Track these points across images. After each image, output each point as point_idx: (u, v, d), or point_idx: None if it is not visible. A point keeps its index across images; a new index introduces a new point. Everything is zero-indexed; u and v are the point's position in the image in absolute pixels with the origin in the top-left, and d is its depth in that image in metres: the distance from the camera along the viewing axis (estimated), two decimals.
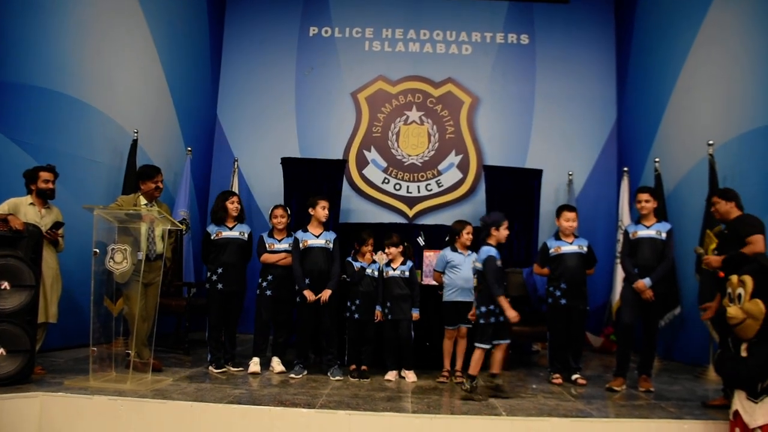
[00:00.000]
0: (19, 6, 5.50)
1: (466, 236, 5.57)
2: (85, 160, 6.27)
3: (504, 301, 4.79)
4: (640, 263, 5.19)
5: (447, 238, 5.74)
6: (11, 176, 5.09)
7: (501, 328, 4.90)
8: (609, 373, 5.64)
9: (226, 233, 5.51)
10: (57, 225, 4.98)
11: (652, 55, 8.09)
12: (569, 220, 5.57)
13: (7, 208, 4.70)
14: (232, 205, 5.56)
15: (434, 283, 6.02)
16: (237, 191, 8.25)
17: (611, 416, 4.17)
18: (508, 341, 5.01)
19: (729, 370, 3.63)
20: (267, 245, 5.58)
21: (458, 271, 5.46)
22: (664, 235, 5.22)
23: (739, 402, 3.60)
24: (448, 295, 5.47)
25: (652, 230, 5.25)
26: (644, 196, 5.36)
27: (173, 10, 7.99)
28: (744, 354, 3.58)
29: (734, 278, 3.71)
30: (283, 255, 5.54)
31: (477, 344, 4.86)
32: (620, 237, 6.98)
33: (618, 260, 7.31)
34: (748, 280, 3.58)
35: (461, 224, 5.65)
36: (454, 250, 5.55)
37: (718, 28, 6.64)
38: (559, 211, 5.67)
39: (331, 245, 5.52)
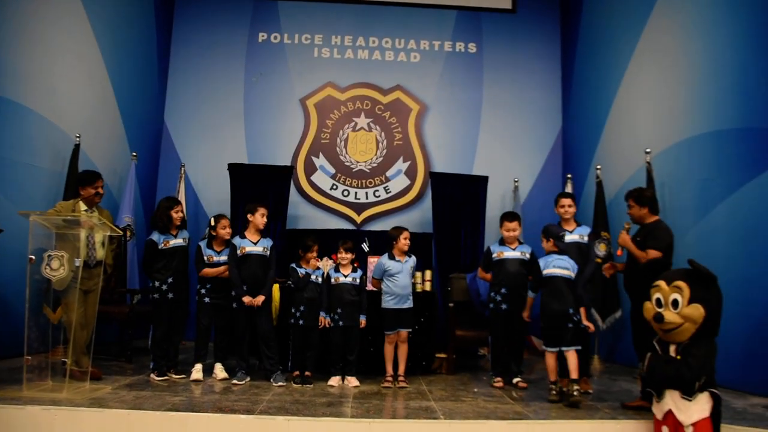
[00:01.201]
0: None
1: (404, 242, 5.66)
2: (24, 165, 6.13)
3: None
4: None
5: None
6: None
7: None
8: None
9: (173, 241, 5.47)
10: None
11: (596, 64, 8.34)
12: (509, 230, 5.68)
13: None
14: (177, 215, 5.52)
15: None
16: (184, 197, 8.21)
17: (548, 418, 4.26)
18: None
19: (663, 372, 3.75)
20: (206, 258, 5.53)
21: (396, 279, 5.57)
22: (586, 239, 5.47)
23: (672, 401, 3.71)
24: (387, 302, 5.58)
25: (575, 234, 5.49)
26: (567, 201, 5.60)
27: (119, 13, 7.87)
28: (675, 356, 3.72)
29: (662, 284, 3.82)
30: (222, 269, 5.52)
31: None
32: None
33: None
34: (683, 285, 3.71)
35: (398, 230, 5.74)
36: (392, 257, 5.65)
37: (656, 38, 6.88)
38: (501, 220, 5.78)
39: (268, 252, 5.54)
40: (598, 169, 7.55)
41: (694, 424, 3.56)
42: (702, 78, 6.04)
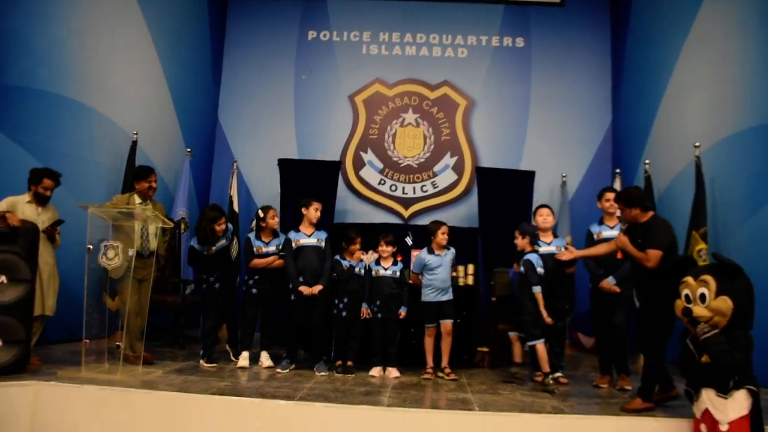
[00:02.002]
0: (21, 10, 5.72)
1: (441, 236, 5.70)
2: (85, 161, 6.47)
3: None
4: (606, 263, 5.33)
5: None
6: (12, 176, 5.30)
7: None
8: (595, 373, 5.73)
9: (214, 247, 5.65)
10: (57, 222, 5.16)
11: (645, 58, 8.18)
12: (542, 215, 5.74)
13: (6, 205, 4.89)
14: (220, 227, 5.59)
15: None
16: (236, 191, 8.46)
17: (584, 414, 4.27)
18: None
19: (696, 370, 3.72)
20: (255, 249, 5.71)
21: (435, 272, 5.61)
22: None
23: (708, 400, 3.68)
24: (427, 295, 5.64)
25: (615, 230, 5.38)
26: (610, 195, 5.49)
27: (174, 14, 8.19)
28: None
29: (690, 280, 3.79)
30: (272, 259, 5.71)
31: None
32: None
33: None
34: (710, 279, 3.67)
35: (437, 225, 5.78)
36: (431, 251, 5.69)
37: (707, 30, 6.73)
38: (535, 210, 5.86)
39: (322, 244, 5.70)
40: (646, 164, 7.43)
41: (730, 423, 3.52)
42: (752, 71, 5.89)
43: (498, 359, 6.31)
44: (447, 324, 5.60)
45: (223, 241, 5.70)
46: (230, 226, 5.85)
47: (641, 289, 4.59)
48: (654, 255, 4.34)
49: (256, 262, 5.69)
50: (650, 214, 4.62)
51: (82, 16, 6.44)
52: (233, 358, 5.72)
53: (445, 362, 5.61)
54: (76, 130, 6.38)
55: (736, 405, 3.54)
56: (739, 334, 3.58)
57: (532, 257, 5.33)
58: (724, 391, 3.58)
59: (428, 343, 5.66)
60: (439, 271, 5.61)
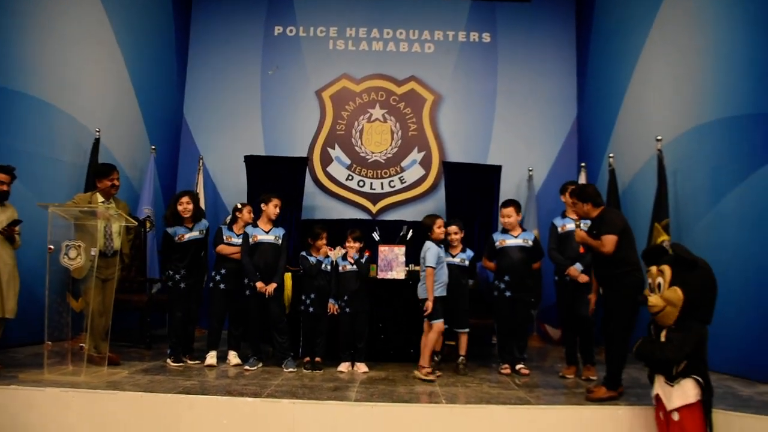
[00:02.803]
0: None
1: (438, 230, 5.49)
2: (46, 159, 6.35)
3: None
4: (570, 256, 5.45)
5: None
6: None
7: None
8: (562, 364, 5.81)
9: (188, 235, 5.61)
10: (14, 222, 5.05)
11: (609, 53, 8.32)
12: (503, 216, 5.78)
13: None
14: (181, 207, 5.60)
15: (392, 277, 6.22)
16: (202, 188, 8.39)
17: (549, 404, 4.33)
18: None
19: (648, 354, 3.81)
20: (225, 237, 5.76)
21: (443, 266, 5.40)
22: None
23: (659, 386, 3.79)
24: (435, 290, 5.27)
25: (582, 223, 5.45)
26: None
27: (137, 9, 8.07)
28: (663, 340, 3.77)
29: (653, 269, 3.88)
30: (238, 249, 5.70)
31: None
32: None
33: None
34: (666, 269, 3.76)
35: (431, 218, 5.56)
36: (438, 245, 5.45)
37: (668, 25, 6.85)
38: (500, 207, 5.88)
39: (280, 241, 5.69)
40: (611, 157, 7.55)
41: (678, 410, 3.60)
42: (713, 65, 6.00)
43: (468, 353, 6.35)
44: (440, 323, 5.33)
45: (195, 233, 5.65)
46: (206, 222, 5.81)
47: (604, 280, 4.67)
48: (608, 240, 4.46)
49: (222, 247, 5.73)
50: (600, 208, 4.76)
51: (44, 13, 6.30)
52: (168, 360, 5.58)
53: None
54: (37, 128, 6.25)
55: (681, 393, 3.62)
56: (689, 326, 3.65)
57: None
58: (670, 378, 3.67)
59: (431, 338, 5.28)
60: (445, 265, 5.44)
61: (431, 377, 5.12)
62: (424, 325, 5.39)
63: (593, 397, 4.43)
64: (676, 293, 3.67)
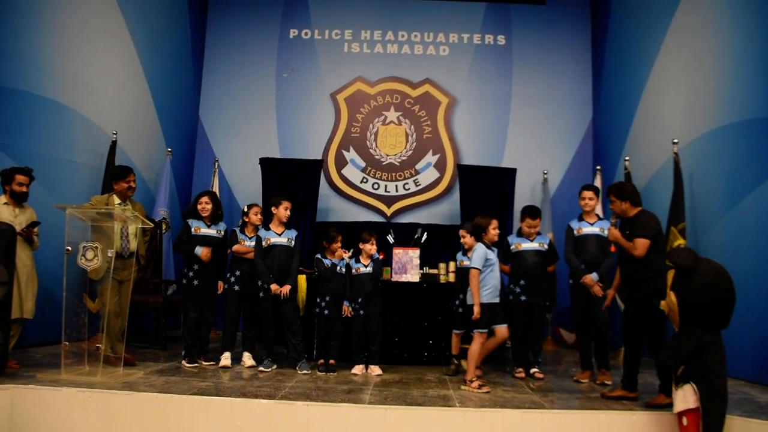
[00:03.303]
0: None
1: (493, 232, 5.19)
2: (64, 161, 6.42)
3: None
4: (587, 259, 5.42)
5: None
6: None
7: None
8: (577, 368, 5.79)
9: (204, 230, 5.68)
10: (33, 224, 5.12)
11: (625, 56, 8.27)
12: (530, 227, 5.71)
13: None
14: (201, 206, 5.71)
15: (406, 280, 6.22)
16: (218, 190, 8.44)
17: (563, 408, 4.31)
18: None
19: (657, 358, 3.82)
20: (239, 240, 5.80)
21: (493, 269, 5.09)
22: (606, 232, 5.43)
23: (673, 390, 3.78)
24: (484, 296, 5.01)
25: (596, 227, 5.47)
26: (588, 194, 5.60)
27: (154, 14, 8.14)
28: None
29: (669, 272, 3.88)
30: (253, 249, 5.73)
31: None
32: None
33: None
34: (670, 274, 3.79)
35: (486, 219, 5.23)
36: (488, 246, 5.14)
37: (685, 28, 6.82)
38: (523, 215, 5.76)
39: (292, 243, 5.70)
40: (626, 160, 7.51)
41: (685, 414, 3.59)
42: (729, 68, 5.96)
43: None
44: (502, 329, 5.14)
45: (212, 231, 5.71)
46: (224, 224, 5.88)
47: (628, 281, 4.66)
48: (641, 243, 4.44)
49: (238, 248, 5.77)
50: (638, 209, 4.73)
51: (60, 15, 6.38)
52: (183, 362, 5.61)
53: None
54: (55, 131, 6.32)
55: (681, 397, 3.63)
56: (687, 331, 3.65)
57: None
58: (675, 382, 3.67)
59: (474, 350, 4.99)
60: (496, 268, 5.12)
61: (485, 389, 4.81)
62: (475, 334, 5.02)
63: (608, 394, 4.44)
64: (670, 297, 3.72)
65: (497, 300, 5.06)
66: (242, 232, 5.91)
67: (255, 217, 5.93)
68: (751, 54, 5.63)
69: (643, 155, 7.54)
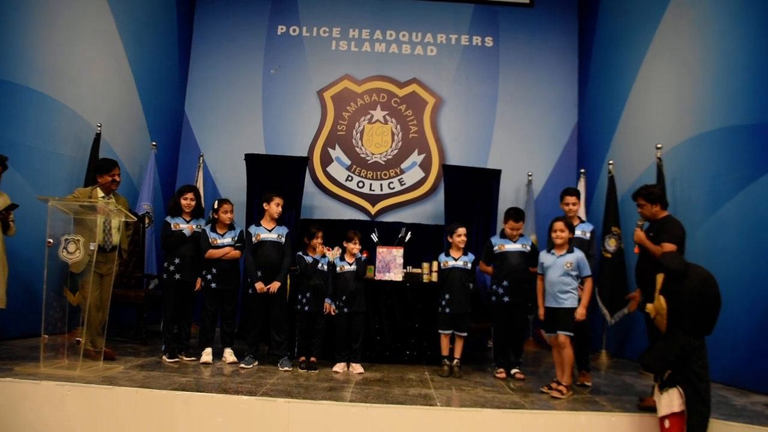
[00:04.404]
0: None
1: (553, 235, 5.10)
2: (47, 152, 6.35)
3: None
4: None
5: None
6: None
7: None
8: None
9: (183, 226, 5.65)
10: (11, 207, 4.97)
11: (611, 60, 8.34)
12: (513, 229, 5.74)
13: None
14: (185, 202, 5.68)
15: (389, 278, 6.24)
16: (202, 185, 8.40)
17: (544, 409, 4.34)
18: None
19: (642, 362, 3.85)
20: (210, 240, 5.66)
21: (546, 274, 5.08)
22: (588, 235, 5.53)
23: (655, 393, 3.82)
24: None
25: (578, 230, 5.49)
26: (571, 199, 5.66)
27: (141, 7, 8.08)
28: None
29: (658, 276, 3.91)
30: (227, 250, 5.66)
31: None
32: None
33: None
34: (659, 278, 3.82)
35: (557, 220, 5.15)
36: (549, 250, 5.13)
37: (671, 34, 6.89)
38: (507, 217, 5.79)
39: (283, 239, 5.69)
40: (610, 164, 7.57)
41: (668, 418, 3.63)
42: (714, 74, 6.04)
43: (464, 357, 6.35)
44: (561, 336, 4.93)
45: (195, 227, 5.68)
46: (203, 220, 5.84)
47: (645, 284, 4.65)
48: (669, 248, 4.49)
49: (212, 252, 5.63)
50: (666, 213, 4.82)
51: (45, 4, 6.31)
52: (164, 357, 5.58)
53: (566, 379, 4.88)
54: (39, 122, 6.25)
55: (668, 402, 3.68)
56: (673, 335, 3.69)
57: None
58: (660, 387, 3.71)
59: (555, 355, 5.04)
60: (549, 272, 5.04)
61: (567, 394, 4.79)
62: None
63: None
64: (659, 301, 3.77)
65: (551, 305, 4.99)
66: (213, 230, 5.71)
67: (225, 216, 5.70)
68: (737, 61, 5.71)
69: (627, 159, 7.61)
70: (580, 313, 4.88)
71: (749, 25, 5.59)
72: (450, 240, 5.87)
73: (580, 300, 4.94)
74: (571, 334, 4.86)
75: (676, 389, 3.63)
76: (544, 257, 5.11)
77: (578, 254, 5.01)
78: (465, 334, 5.69)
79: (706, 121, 6.10)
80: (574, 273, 4.93)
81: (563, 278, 4.92)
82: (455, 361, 5.63)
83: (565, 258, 4.97)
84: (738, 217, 5.53)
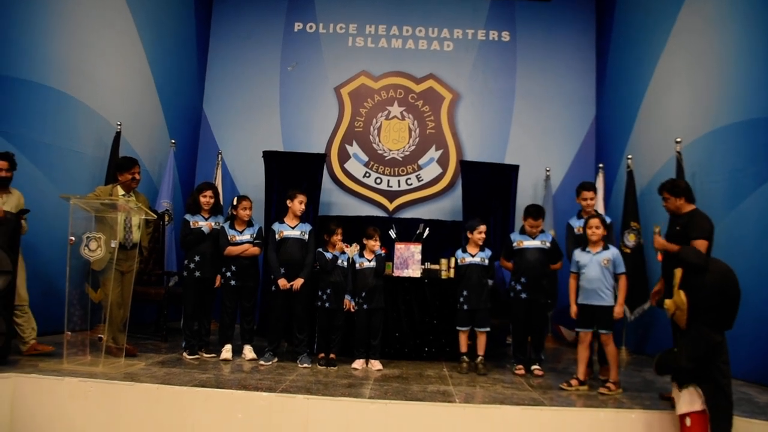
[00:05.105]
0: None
1: (591, 231, 5.07)
2: (68, 151, 6.43)
3: None
4: None
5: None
6: None
7: None
8: (576, 366, 5.81)
9: (202, 223, 5.68)
10: (22, 212, 5.04)
11: (629, 54, 8.27)
12: (533, 227, 5.71)
13: None
14: (204, 199, 5.72)
15: (407, 275, 6.24)
16: (220, 183, 8.45)
17: (563, 406, 4.32)
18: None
19: (665, 365, 3.80)
20: (229, 237, 5.68)
21: (583, 272, 5.05)
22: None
23: (674, 392, 3.79)
24: (579, 297, 5.09)
25: None
26: (589, 194, 5.62)
27: (159, 4, 8.15)
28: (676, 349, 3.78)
29: (676, 271, 3.87)
30: (246, 247, 5.68)
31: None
32: None
33: None
34: (678, 272, 3.78)
35: (592, 218, 5.17)
36: (584, 249, 5.13)
37: (689, 27, 6.82)
38: (526, 215, 5.76)
39: (306, 236, 5.71)
40: (629, 158, 7.51)
41: (689, 415, 3.59)
42: (731, 68, 5.97)
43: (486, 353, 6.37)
44: (602, 336, 4.95)
45: (213, 224, 5.71)
46: (222, 217, 5.86)
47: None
48: (701, 245, 4.37)
49: (231, 249, 5.66)
50: (693, 206, 4.71)
51: (66, 5, 6.37)
52: (184, 353, 5.63)
53: (613, 377, 4.89)
54: (59, 121, 6.33)
55: (687, 399, 3.65)
56: (697, 331, 3.64)
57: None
58: (679, 384, 3.67)
59: (580, 351, 5.04)
60: (587, 269, 5.01)
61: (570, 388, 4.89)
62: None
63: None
64: (680, 296, 3.72)
65: (592, 302, 4.95)
66: (231, 227, 5.74)
67: (243, 212, 5.72)
68: (754, 54, 5.64)
69: (646, 154, 7.54)
70: (618, 311, 4.87)
71: (765, 19, 5.51)
72: (470, 236, 5.83)
73: (616, 298, 4.92)
74: (612, 332, 4.90)
75: (694, 387, 3.60)
76: (580, 255, 5.10)
77: (614, 251, 5.02)
78: (487, 329, 5.66)
79: (724, 115, 6.03)
80: (611, 270, 4.93)
81: (601, 275, 4.91)
82: (479, 357, 5.61)
83: (602, 255, 4.98)
84: (758, 212, 5.45)
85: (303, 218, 5.86)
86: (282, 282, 5.51)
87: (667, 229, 4.94)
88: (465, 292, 5.65)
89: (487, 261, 5.78)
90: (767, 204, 5.35)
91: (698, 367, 3.60)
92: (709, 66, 6.39)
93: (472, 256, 5.76)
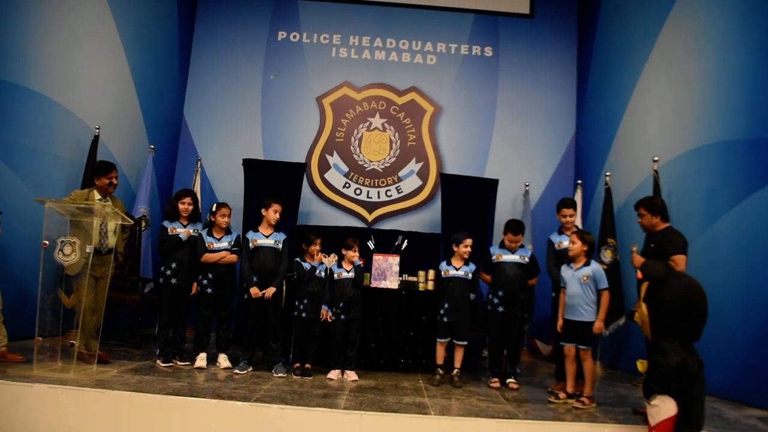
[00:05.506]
0: None
1: (571, 245, 5.16)
2: (44, 154, 6.34)
3: None
4: None
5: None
6: None
7: None
8: (551, 379, 5.88)
9: (179, 230, 5.64)
10: None
11: (610, 72, 8.38)
12: (512, 241, 5.76)
13: None
14: (183, 206, 5.68)
15: (385, 286, 6.24)
16: (199, 190, 8.39)
17: (537, 419, 4.33)
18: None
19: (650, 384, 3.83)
20: (206, 244, 5.65)
21: (566, 288, 5.12)
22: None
23: (647, 406, 3.81)
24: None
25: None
26: (569, 211, 5.68)
27: (142, 9, 8.09)
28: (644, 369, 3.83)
29: (643, 285, 3.94)
30: (223, 254, 5.66)
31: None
32: None
33: None
34: (644, 285, 3.85)
35: (585, 234, 5.21)
36: (569, 264, 5.19)
37: (669, 48, 6.91)
38: (506, 230, 5.80)
39: (280, 245, 5.69)
40: (607, 176, 7.59)
41: (654, 428, 3.63)
42: (711, 89, 6.07)
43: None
44: (581, 351, 5.00)
45: (192, 231, 5.67)
46: (200, 224, 5.83)
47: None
48: (681, 260, 4.53)
49: (207, 256, 5.63)
50: (667, 224, 4.85)
51: (46, 6, 6.30)
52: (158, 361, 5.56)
53: (587, 391, 4.93)
54: (36, 123, 6.24)
55: (657, 411, 3.66)
56: (659, 342, 3.71)
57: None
58: (648, 395, 3.72)
59: (567, 365, 5.09)
60: (567, 286, 5.09)
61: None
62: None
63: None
64: (641, 308, 3.80)
65: (572, 317, 5.02)
66: (209, 234, 5.72)
67: (222, 219, 5.73)
68: (734, 75, 5.74)
69: (624, 171, 7.63)
70: (597, 327, 4.91)
71: (747, 40, 5.61)
72: (455, 249, 5.84)
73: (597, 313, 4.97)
74: (590, 348, 4.96)
75: (665, 396, 3.62)
76: (564, 271, 5.17)
77: (595, 266, 5.05)
78: (465, 343, 5.68)
79: (703, 135, 6.12)
80: (592, 286, 4.97)
81: (582, 291, 4.97)
82: (455, 370, 5.61)
83: (581, 271, 5.02)
84: (734, 232, 5.54)
85: (278, 227, 5.85)
86: (254, 290, 5.49)
87: (643, 246, 5.01)
88: (446, 305, 5.65)
89: (470, 275, 5.79)
90: (742, 224, 5.43)
91: (666, 379, 3.63)
92: (687, 86, 6.49)
93: (456, 269, 5.77)
